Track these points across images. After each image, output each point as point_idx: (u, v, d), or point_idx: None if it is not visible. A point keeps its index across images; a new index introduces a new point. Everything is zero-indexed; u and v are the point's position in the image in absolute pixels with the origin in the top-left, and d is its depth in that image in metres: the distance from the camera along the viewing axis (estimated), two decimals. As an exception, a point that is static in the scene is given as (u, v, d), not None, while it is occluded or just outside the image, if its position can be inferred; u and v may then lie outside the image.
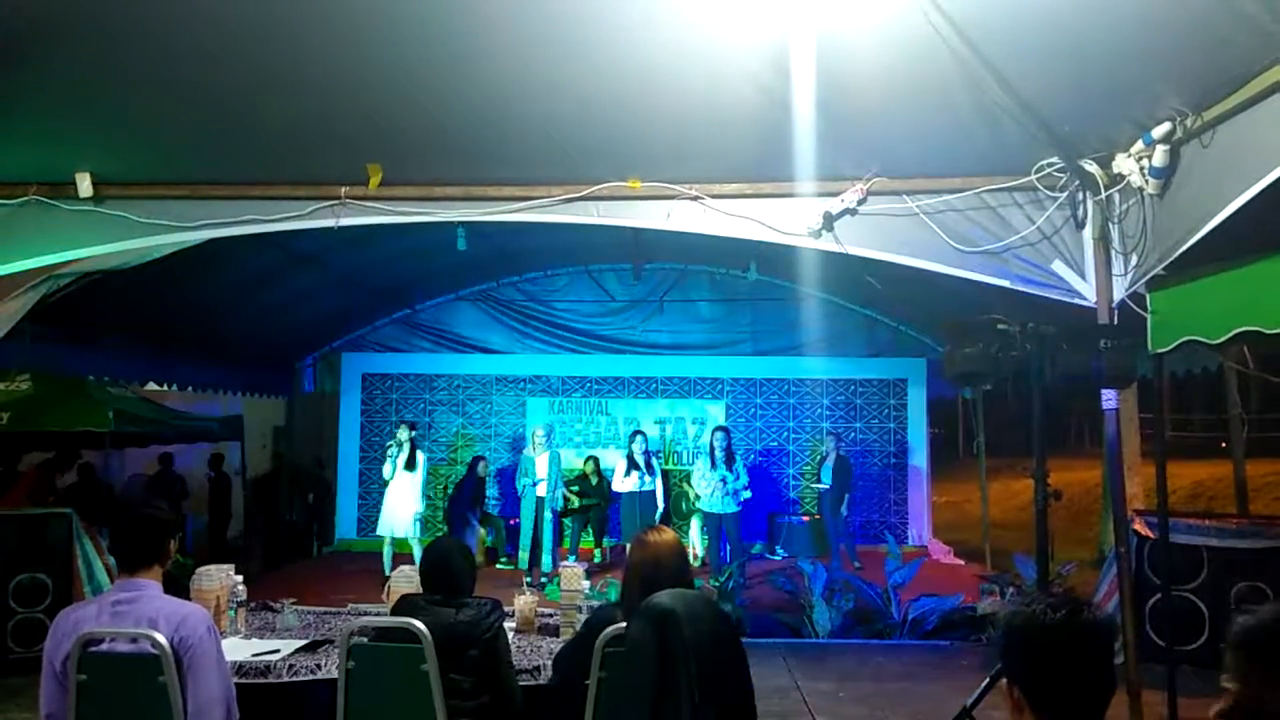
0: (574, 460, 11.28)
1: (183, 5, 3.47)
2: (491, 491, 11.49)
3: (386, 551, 9.07)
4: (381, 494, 9.51)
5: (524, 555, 9.49)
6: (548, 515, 9.50)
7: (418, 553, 8.78)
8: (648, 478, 9.67)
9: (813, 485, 10.80)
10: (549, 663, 3.58)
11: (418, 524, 9.10)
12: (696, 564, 9.60)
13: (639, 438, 9.92)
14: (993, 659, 2.88)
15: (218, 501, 12.30)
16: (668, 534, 3.19)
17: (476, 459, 10.86)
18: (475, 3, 3.49)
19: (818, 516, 11.36)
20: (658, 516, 9.59)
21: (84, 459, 11.04)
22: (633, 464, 9.69)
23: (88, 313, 7.23)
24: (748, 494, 9.32)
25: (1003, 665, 1.72)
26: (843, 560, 9.84)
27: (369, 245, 8.71)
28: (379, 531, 9.19)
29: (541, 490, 9.41)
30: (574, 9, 3.49)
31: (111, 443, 9.55)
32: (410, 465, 9.01)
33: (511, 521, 11.11)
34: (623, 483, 9.73)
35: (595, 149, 4.65)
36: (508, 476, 11.84)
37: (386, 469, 9.11)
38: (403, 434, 9.13)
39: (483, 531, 10.60)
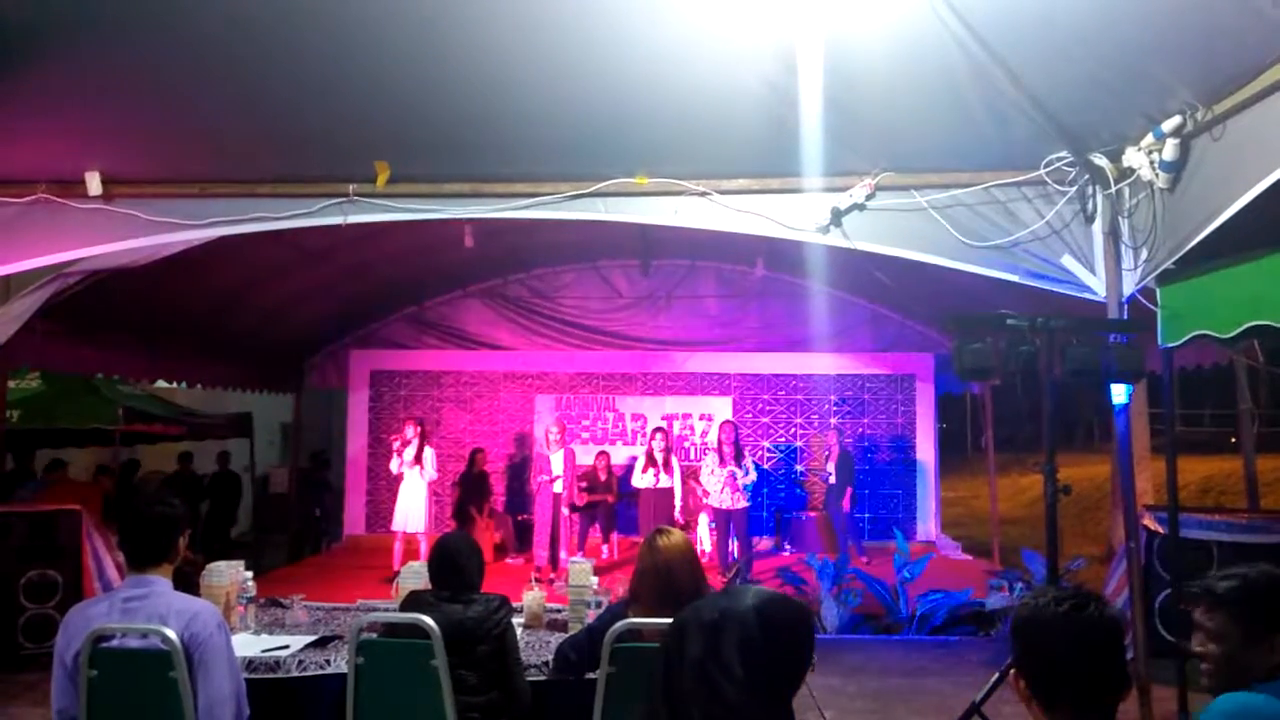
0: (583, 456, 11.29)
1: (191, 4, 3.48)
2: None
3: (397, 547, 9.12)
4: (390, 490, 9.63)
5: (542, 552, 9.44)
6: (564, 512, 9.53)
7: (425, 548, 8.84)
8: (666, 475, 9.68)
9: (824, 479, 10.72)
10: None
11: (427, 519, 9.19)
12: (704, 560, 9.58)
13: (659, 435, 9.95)
14: (1001, 655, 2.87)
15: (223, 500, 12.31)
16: (676, 536, 3.18)
17: (475, 452, 10.87)
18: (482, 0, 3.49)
19: (819, 511, 11.35)
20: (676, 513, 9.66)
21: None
22: (651, 460, 9.70)
23: (97, 310, 7.26)
24: (754, 489, 9.35)
25: (1012, 656, 1.74)
26: (851, 555, 9.83)
27: (377, 241, 8.72)
28: (394, 526, 9.25)
29: (558, 487, 9.41)
30: (581, 5, 3.48)
31: (120, 440, 9.58)
32: (419, 461, 9.07)
33: (519, 517, 11.12)
34: (641, 479, 9.74)
35: (602, 145, 4.64)
36: (515, 473, 11.86)
37: (393, 465, 9.18)
38: (409, 431, 9.20)
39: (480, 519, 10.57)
